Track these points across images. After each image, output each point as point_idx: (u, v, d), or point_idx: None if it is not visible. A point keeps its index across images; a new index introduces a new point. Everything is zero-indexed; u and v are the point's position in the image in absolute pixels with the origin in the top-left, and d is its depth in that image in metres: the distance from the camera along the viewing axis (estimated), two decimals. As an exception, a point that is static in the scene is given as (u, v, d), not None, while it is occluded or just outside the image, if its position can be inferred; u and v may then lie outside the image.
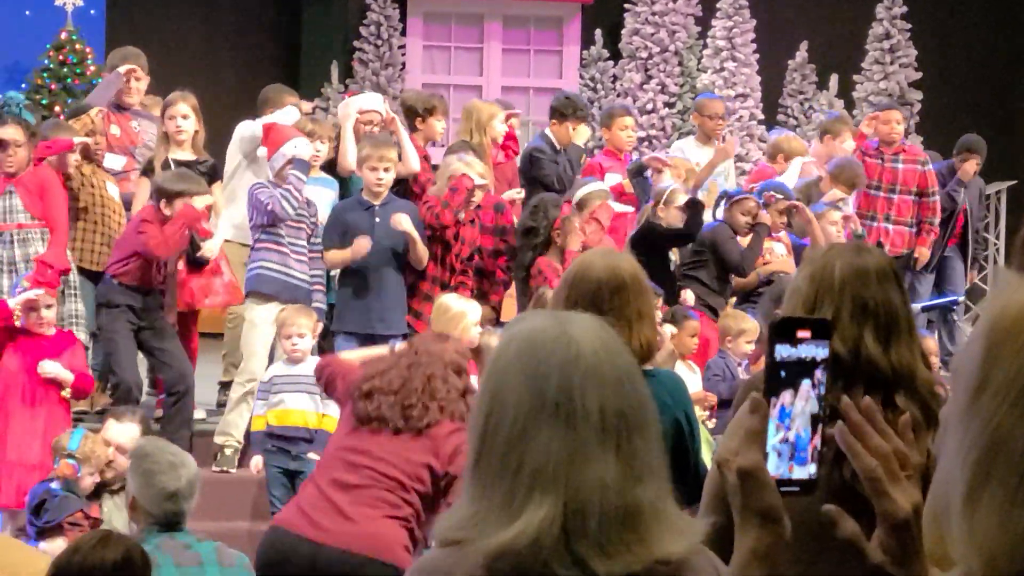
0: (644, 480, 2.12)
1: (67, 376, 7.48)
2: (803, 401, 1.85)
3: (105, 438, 6.74)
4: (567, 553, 2.08)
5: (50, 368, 7.45)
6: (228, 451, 8.12)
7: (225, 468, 8.07)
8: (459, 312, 7.72)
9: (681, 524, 2.15)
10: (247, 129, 8.91)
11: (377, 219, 8.24)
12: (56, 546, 5.96)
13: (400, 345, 6.10)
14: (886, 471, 1.82)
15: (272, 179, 8.22)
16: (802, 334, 1.85)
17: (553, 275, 8.22)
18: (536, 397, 2.11)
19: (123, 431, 6.74)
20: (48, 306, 7.62)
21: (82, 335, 8.16)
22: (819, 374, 1.86)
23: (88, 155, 8.63)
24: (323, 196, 8.74)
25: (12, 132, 8.24)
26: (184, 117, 8.83)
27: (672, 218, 9.08)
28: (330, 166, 9.07)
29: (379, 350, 6.27)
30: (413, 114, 9.44)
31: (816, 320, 1.89)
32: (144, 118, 9.32)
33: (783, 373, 1.85)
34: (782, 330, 1.86)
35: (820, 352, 1.86)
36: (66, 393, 7.48)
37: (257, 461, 7.90)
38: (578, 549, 2.08)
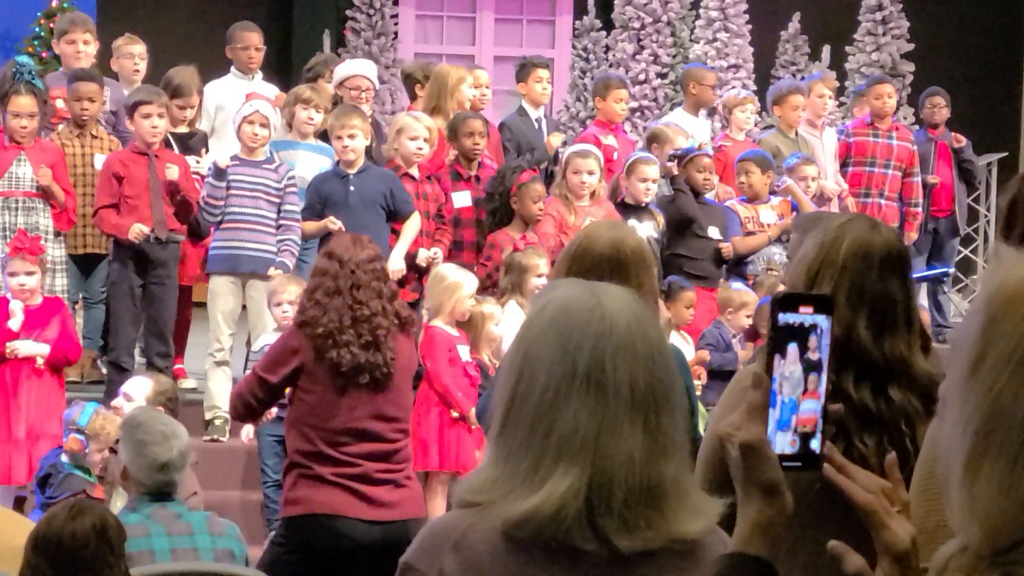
0: (669, 456, 2.13)
1: (40, 349, 7.43)
2: (793, 365, 1.85)
3: (122, 390, 6.72)
4: (589, 526, 2.09)
5: (23, 348, 7.40)
6: (217, 422, 8.15)
7: (216, 437, 8.09)
8: (455, 282, 7.73)
9: (700, 503, 2.16)
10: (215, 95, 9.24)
11: (352, 188, 8.22)
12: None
13: (317, 258, 5.99)
14: (880, 505, 1.83)
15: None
16: (804, 310, 1.85)
17: (497, 253, 8.30)
18: (568, 367, 2.11)
19: (136, 382, 6.71)
20: (29, 273, 7.56)
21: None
22: (812, 340, 1.85)
23: (79, 123, 8.59)
24: (317, 163, 8.73)
25: (26, 102, 8.19)
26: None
27: (634, 190, 9.02)
28: (325, 134, 9.06)
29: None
30: (412, 81, 9.45)
31: (818, 296, 1.89)
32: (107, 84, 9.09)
33: (789, 337, 1.85)
34: (785, 305, 1.85)
35: (819, 319, 1.86)
36: (40, 363, 7.42)
37: (248, 430, 7.89)
38: (600, 522, 2.09)
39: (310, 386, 5.55)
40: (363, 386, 5.52)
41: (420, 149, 8.53)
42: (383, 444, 5.54)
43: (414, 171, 8.53)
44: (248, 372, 5.91)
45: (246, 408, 5.78)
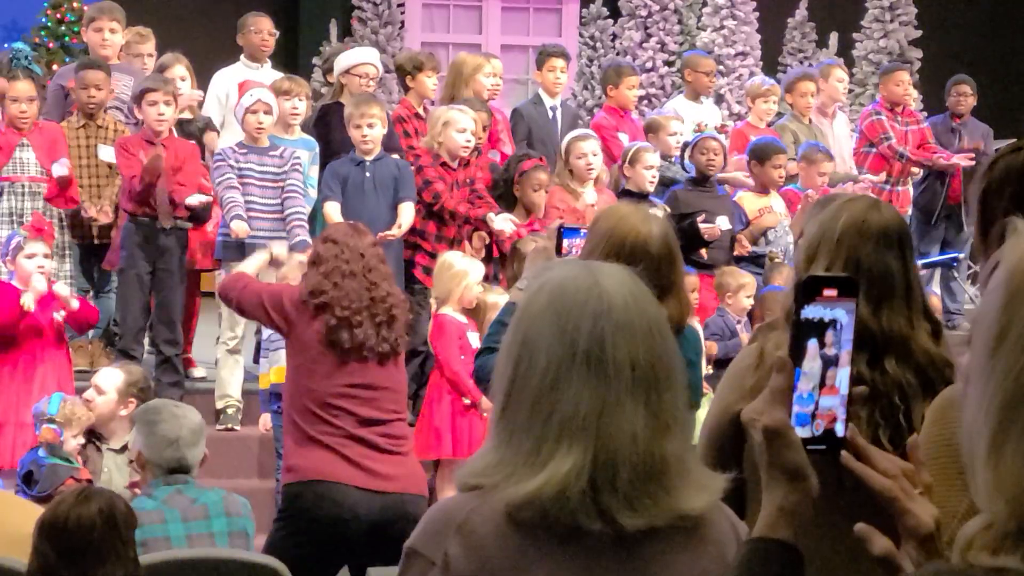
0: (671, 432, 2.12)
1: (72, 304, 7.44)
2: (812, 361, 1.85)
3: (92, 382, 6.68)
4: (593, 505, 2.07)
5: (62, 289, 7.45)
6: (230, 411, 8.17)
7: (229, 426, 8.11)
8: (461, 270, 7.74)
9: (703, 478, 2.15)
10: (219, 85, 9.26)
11: (368, 174, 8.23)
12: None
13: (316, 244, 5.92)
14: (900, 489, 1.82)
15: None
16: (828, 292, 1.85)
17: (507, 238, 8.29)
18: (568, 347, 2.10)
19: (106, 374, 6.65)
20: (47, 256, 7.56)
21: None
22: (830, 336, 1.85)
23: (87, 112, 8.59)
24: (304, 158, 8.63)
25: (24, 87, 8.18)
26: (182, 79, 8.86)
27: (639, 179, 9.00)
28: (313, 124, 9.03)
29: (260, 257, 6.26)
30: (404, 73, 9.40)
31: (842, 278, 1.88)
32: (123, 71, 9.06)
33: (809, 332, 1.85)
34: (809, 289, 1.85)
35: (839, 313, 1.86)
36: (59, 314, 7.40)
37: (265, 419, 7.90)
38: (604, 501, 2.07)
39: (302, 349, 5.54)
40: (362, 357, 5.52)
41: (468, 142, 8.43)
42: (375, 411, 5.49)
43: (453, 162, 8.44)
44: (263, 291, 5.80)
45: (237, 304, 5.94)
